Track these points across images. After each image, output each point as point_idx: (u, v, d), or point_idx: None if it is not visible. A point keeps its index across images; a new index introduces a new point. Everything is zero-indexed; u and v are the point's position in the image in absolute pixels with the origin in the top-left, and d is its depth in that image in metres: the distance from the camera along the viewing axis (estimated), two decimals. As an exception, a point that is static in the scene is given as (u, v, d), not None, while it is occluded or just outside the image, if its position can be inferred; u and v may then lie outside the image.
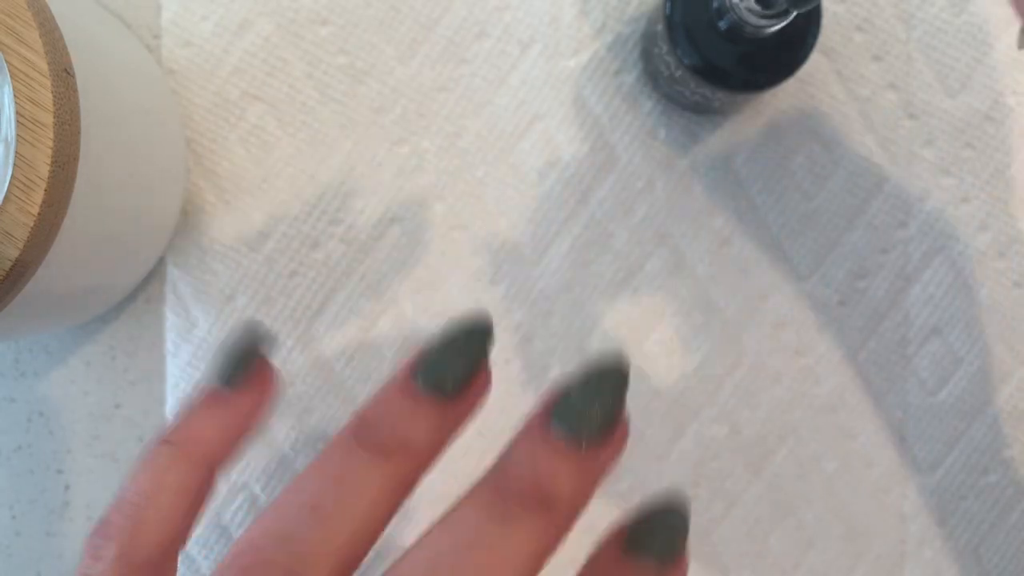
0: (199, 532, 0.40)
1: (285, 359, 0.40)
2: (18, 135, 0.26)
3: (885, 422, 0.41)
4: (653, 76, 0.39)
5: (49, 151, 0.26)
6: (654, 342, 0.41)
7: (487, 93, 0.40)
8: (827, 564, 0.42)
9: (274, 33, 0.39)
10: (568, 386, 0.24)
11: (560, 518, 0.23)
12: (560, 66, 0.40)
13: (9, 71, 0.26)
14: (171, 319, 0.40)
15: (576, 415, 0.23)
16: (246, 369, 0.25)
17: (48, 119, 0.26)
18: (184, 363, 0.40)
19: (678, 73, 0.35)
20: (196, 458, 0.24)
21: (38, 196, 0.26)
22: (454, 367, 0.23)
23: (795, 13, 0.31)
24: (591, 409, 0.24)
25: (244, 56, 0.39)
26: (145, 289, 0.40)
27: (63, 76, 0.27)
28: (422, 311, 0.40)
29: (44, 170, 0.26)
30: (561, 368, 0.40)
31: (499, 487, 0.23)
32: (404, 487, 0.23)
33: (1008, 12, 0.40)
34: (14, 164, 0.26)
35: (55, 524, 0.41)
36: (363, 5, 0.39)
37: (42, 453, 0.41)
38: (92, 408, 0.41)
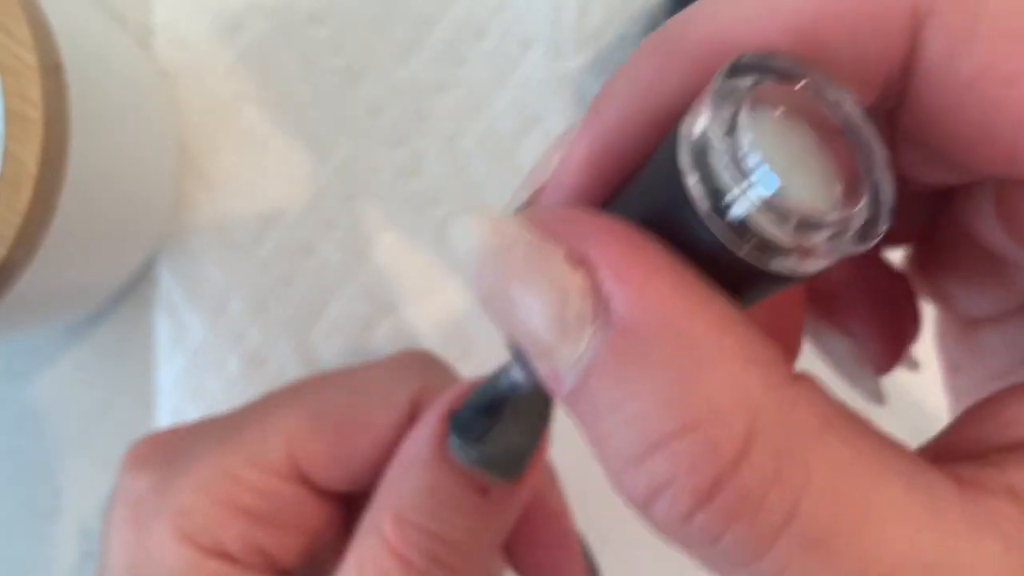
0: None
1: (281, 368, 0.40)
2: (6, 131, 0.25)
3: (884, 425, 0.41)
4: (654, 76, 0.39)
5: (38, 148, 0.25)
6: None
7: (487, 94, 0.40)
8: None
9: (269, 34, 0.39)
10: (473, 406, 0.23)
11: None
12: (561, 66, 0.39)
13: (-4, 65, 0.25)
14: (163, 325, 0.39)
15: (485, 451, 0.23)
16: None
17: (37, 115, 0.25)
18: (177, 369, 0.39)
19: (680, 72, 0.35)
20: None
21: (26, 194, 0.25)
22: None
23: None
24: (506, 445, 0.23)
25: (238, 57, 0.39)
26: (136, 291, 0.40)
27: (53, 72, 0.26)
28: (422, 317, 0.40)
29: (32, 167, 0.25)
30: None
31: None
32: None
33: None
34: (2, 161, 0.25)
35: (45, 527, 0.40)
36: (359, 5, 0.39)
37: (32, 456, 0.40)
38: (83, 410, 0.40)
